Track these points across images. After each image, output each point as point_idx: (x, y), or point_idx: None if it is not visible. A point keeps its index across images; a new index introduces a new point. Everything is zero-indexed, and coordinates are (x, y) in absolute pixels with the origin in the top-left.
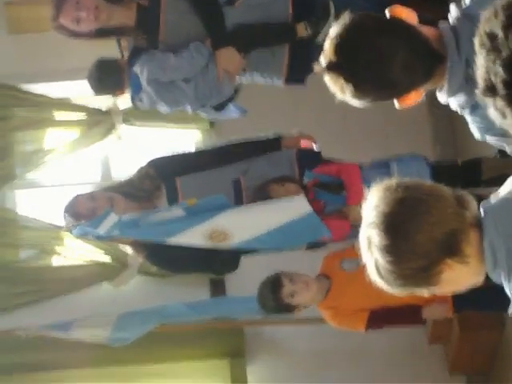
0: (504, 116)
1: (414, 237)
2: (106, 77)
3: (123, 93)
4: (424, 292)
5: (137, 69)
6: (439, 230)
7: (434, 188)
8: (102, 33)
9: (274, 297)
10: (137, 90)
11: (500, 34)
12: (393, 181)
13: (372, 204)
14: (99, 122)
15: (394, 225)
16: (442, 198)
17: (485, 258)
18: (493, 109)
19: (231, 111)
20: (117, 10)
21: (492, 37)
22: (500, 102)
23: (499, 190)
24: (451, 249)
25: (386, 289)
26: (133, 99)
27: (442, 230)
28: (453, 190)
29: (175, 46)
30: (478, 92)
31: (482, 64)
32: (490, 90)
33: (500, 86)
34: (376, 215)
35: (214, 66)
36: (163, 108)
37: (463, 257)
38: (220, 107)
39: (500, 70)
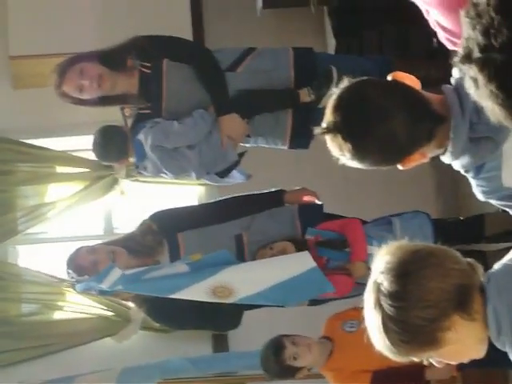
0: (476, 84)
1: (426, 285)
2: (111, 144)
3: (128, 161)
4: (425, 357)
5: (141, 136)
6: (450, 281)
7: (446, 248)
8: (105, 100)
9: (276, 359)
10: (141, 158)
11: (483, 1)
12: (404, 240)
13: (383, 257)
14: (102, 177)
15: (407, 272)
16: (454, 255)
17: (489, 324)
18: (467, 78)
19: (235, 176)
20: (119, 78)
21: (476, 5)
22: (474, 69)
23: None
24: (461, 303)
25: (387, 352)
26: (137, 167)
27: (453, 282)
28: (461, 254)
29: (178, 114)
30: (457, 61)
31: (464, 34)
32: (467, 56)
33: (475, 50)
34: (388, 264)
35: (217, 132)
36: (168, 176)
37: (471, 313)
38: (224, 174)
39: (478, 35)
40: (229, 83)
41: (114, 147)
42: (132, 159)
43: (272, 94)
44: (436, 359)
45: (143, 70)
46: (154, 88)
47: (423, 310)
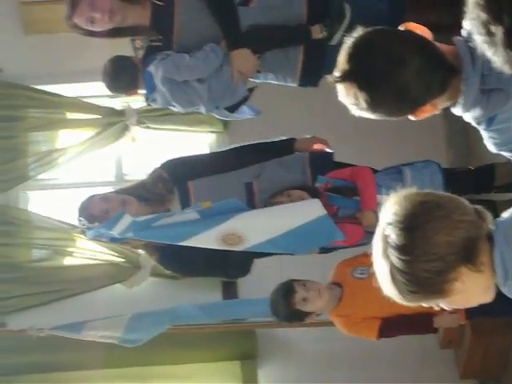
0: (495, 44)
1: (433, 238)
2: (121, 74)
3: (137, 92)
4: (433, 304)
5: (151, 68)
6: (458, 234)
7: (454, 197)
8: (116, 32)
9: (286, 303)
10: (151, 90)
11: None
12: (412, 189)
13: (391, 207)
14: (113, 124)
15: (414, 225)
16: (462, 206)
17: (495, 270)
18: (483, 34)
19: (245, 112)
20: (131, 10)
21: None
22: (500, 30)
23: None
24: (468, 255)
25: (396, 298)
26: (146, 99)
27: (461, 235)
28: (471, 203)
29: (189, 47)
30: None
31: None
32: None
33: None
34: (395, 216)
35: (228, 67)
36: (177, 108)
37: (478, 265)
38: (234, 108)
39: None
40: (241, 18)
41: (124, 78)
42: (141, 91)
43: (284, 29)
44: (445, 306)
45: (155, 1)
46: (166, 20)
47: (430, 263)
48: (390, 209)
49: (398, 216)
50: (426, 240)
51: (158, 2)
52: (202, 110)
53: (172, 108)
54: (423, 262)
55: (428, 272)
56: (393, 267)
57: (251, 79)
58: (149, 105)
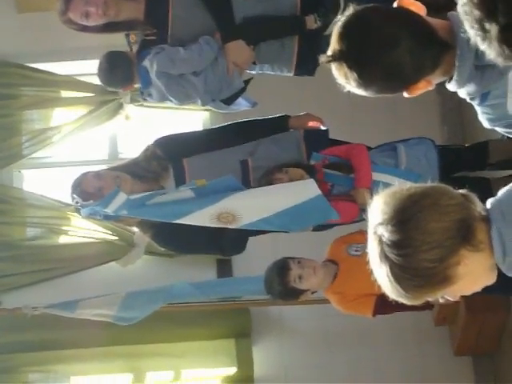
0: (488, 39)
1: (426, 226)
2: (116, 69)
3: (133, 87)
4: (440, 295)
5: (146, 63)
6: (449, 218)
7: (438, 185)
8: (110, 27)
9: (280, 280)
10: (146, 85)
11: None
12: (394, 186)
13: (378, 208)
14: (107, 102)
15: (405, 218)
16: (447, 191)
17: (493, 247)
18: (475, 25)
19: (241, 104)
20: (126, 4)
21: None
22: (494, 27)
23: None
24: (464, 236)
25: (403, 299)
26: (142, 93)
27: (453, 219)
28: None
29: (184, 40)
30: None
31: None
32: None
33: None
34: (385, 214)
35: (223, 59)
36: (173, 102)
37: (477, 244)
38: (230, 101)
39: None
40: (235, 9)
41: (120, 73)
42: (137, 85)
43: (278, 20)
44: (451, 295)
45: None
46: (160, 14)
47: (429, 252)
48: (377, 210)
49: (387, 214)
50: (420, 230)
51: None
52: (199, 102)
53: (168, 102)
54: (423, 252)
55: (430, 261)
56: (394, 266)
57: (247, 71)
58: (144, 99)
